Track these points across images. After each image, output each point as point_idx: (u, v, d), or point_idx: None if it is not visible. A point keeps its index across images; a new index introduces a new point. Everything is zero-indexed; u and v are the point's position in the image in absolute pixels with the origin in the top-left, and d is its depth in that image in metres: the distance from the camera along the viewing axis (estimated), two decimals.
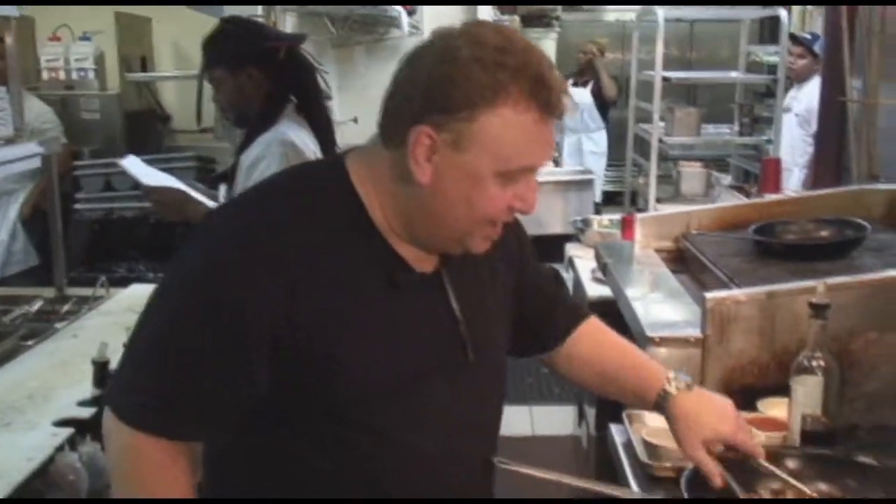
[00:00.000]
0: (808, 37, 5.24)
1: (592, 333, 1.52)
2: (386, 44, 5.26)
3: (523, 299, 1.43)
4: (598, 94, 7.23)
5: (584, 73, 7.33)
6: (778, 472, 1.39)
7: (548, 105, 1.14)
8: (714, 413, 1.40)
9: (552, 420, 4.18)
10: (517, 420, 4.13)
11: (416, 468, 1.23)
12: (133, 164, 2.71)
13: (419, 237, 1.21)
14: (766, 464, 1.39)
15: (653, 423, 1.66)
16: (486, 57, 1.11)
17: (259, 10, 3.58)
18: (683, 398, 1.40)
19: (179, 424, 1.16)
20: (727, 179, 4.74)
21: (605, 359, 1.50)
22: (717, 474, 1.34)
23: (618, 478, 1.68)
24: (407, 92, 1.15)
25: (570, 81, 7.27)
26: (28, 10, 4.74)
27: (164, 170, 2.84)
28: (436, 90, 1.12)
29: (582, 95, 7.15)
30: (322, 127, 2.57)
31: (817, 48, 5.08)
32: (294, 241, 1.15)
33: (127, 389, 1.17)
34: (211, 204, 2.53)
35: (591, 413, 3.12)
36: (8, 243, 4.25)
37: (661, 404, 1.41)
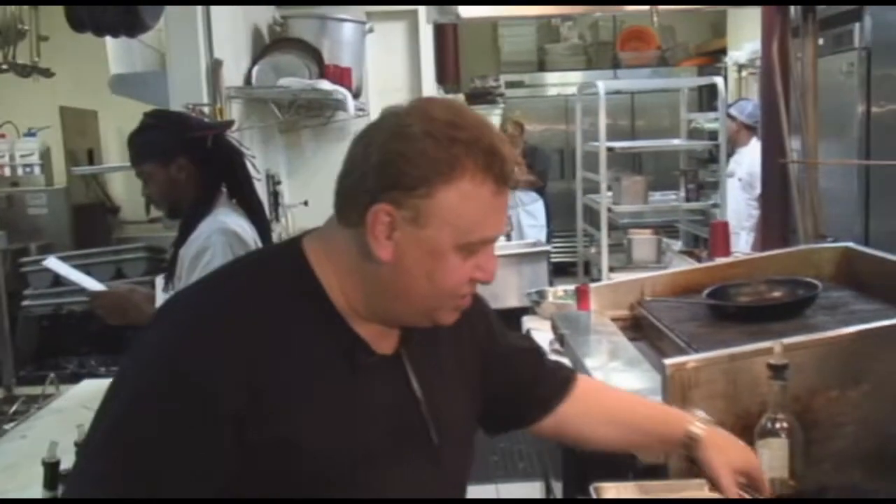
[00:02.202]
0: (735, 106, 5.45)
1: (591, 391, 1.55)
2: (333, 126, 5.30)
3: (497, 373, 1.42)
4: (529, 171, 7.35)
5: None
6: None
7: (502, 176, 1.15)
8: (740, 446, 1.50)
9: (519, 496, 4.13)
10: (484, 498, 4.08)
11: None
12: (55, 265, 2.73)
13: (382, 314, 1.21)
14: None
15: (622, 494, 1.64)
16: (438, 132, 1.12)
17: (204, 97, 3.59)
18: (712, 433, 1.49)
19: None
20: (678, 245, 4.80)
21: (617, 411, 1.56)
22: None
23: None
24: (362, 170, 1.15)
25: None
26: None
27: (115, 262, 2.82)
28: (391, 168, 1.12)
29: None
30: (255, 210, 2.57)
31: (745, 116, 5.27)
32: (254, 321, 1.13)
33: (84, 491, 1.10)
34: (155, 306, 2.50)
35: (557, 487, 3.07)
36: None
37: (689, 444, 1.48)
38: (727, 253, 3.65)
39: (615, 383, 1.99)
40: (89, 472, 1.11)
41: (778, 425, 1.56)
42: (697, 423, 1.49)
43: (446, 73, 8.17)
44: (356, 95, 4.75)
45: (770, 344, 1.66)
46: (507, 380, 1.45)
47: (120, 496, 1.07)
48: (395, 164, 1.12)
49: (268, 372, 1.11)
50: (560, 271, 7.61)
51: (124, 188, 5.72)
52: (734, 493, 1.42)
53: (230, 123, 2.76)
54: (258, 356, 1.11)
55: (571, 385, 1.52)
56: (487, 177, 1.14)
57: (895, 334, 1.79)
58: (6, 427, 2.59)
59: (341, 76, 4.53)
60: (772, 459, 1.56)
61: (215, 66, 3.75)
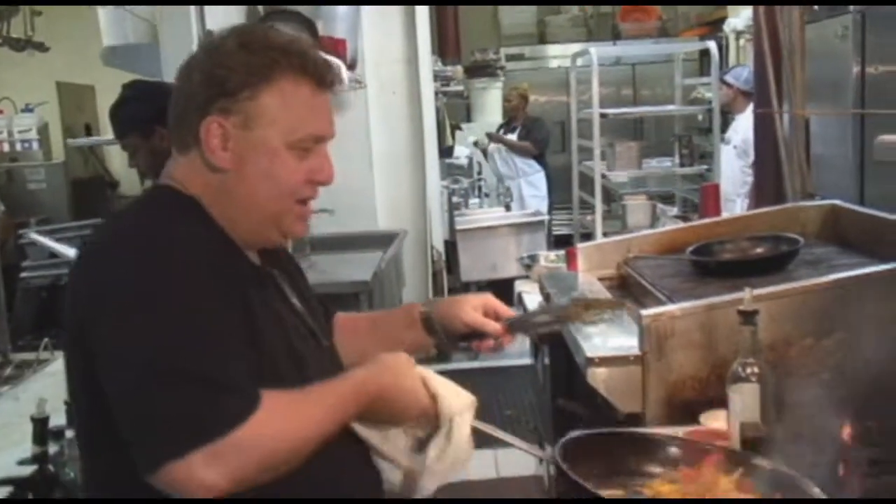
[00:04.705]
0: (731, 73, 5.41)
1: (346, 315, 1.64)
2: None
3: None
4: (528, 139, 7.37)
5: (513, 119, 7.52)
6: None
7: (319, 77, 1.28)
8: (469, 295, 1.61)
9: (516, 462, 4.15)
10: (483, 464, 4.10)
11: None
12: (36, 238, 2.78)
13: (241, 231, 1.29)
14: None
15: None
16: (253, 43, 1.25)
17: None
18: (440, 300, 1.63)
19: (252, 382, 1.15)
20: (673, 211, 4.81)
21: (368, 319, 1.69)
22: (494, 324, 1.53)
23: None
24: (187, 93, 1.26)
25: (500, 130, 7.46)
26: None
27: None
28: (213, 79, 1.23)
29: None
30: None
31: (741, 82, 5.24)
32: (192, 235, 1.23)
33: (190, 416, 1.10)
34: None
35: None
36: None
37: (428, 317, 1.55)
38: (717, 214, 3.65)
39: (595, 337, 2.01)
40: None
41: (749, 370, 1.57)
42: (427, 301, 1.60)
43: (446, 47, 8.17)
44: (351, 67, 4.74)
45: (743, 294, 1.67)
46: None
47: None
48: (216, 75, 1.23)
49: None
50: (562, 243, 7.60)
51: (123, 162, 5.74)
52: (479, 319, 1.52)
53: None
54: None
55: (335, 315, 1.61)
56: (304, 77, 1.26)
57: (868, 284, 1.81)
58: (1, 390, 2.62)
59: (335, 47, 4.52)
60: (743, 404, 1.57)
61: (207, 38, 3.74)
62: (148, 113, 2.45)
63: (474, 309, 1.54)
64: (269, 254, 1.38)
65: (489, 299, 1.58)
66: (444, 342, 1.57)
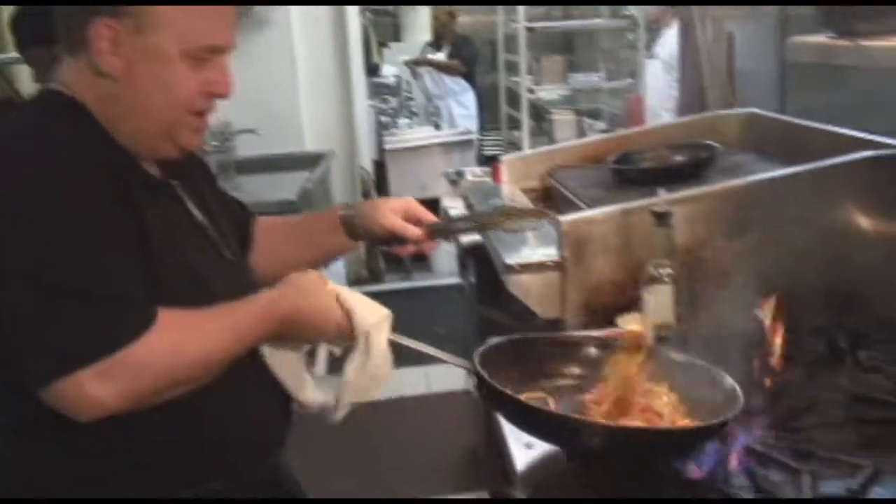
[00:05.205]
0: None
1: (268, 220, 1.59)
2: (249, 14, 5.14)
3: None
4: (457, 58, 7.29)
5: (441, 38, 7.44)
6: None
7: None
8: (394, 199, 1.56)
9: (447, 377, 4.20)
10: (415, 381, 4.15)
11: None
12: None
13: (133, 141, 1.23)
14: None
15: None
16: None
17: None
18: (359, 204, 1.57)
19: (146, 298, 1.13)
20: (600, 126, 4.83)
21: (289, 225, 1.62)
22: (414, 229, 1.49)
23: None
24: None
25: (429, 50, 7.37)
26: None
27: None
28: None
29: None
30: None
31: None
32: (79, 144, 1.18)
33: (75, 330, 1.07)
34: None
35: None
36: None
37: (348, 222, 1.52)
38: (641, 124, 3.68)
39: (515, 245, 2.01)
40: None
41: (663, 272, 1.59)
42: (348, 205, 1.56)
43: None
44: None
45: (658, 198, 1.69)
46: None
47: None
48: None
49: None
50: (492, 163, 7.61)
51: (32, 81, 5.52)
52: (400, 223, 1.49)
53: None
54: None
55: (255, 221, 1.57)
56: None
57: (778, 187, 1.84)
58: None
59: None
60: (656, 305, 1.60)
61: None
62: (48, 22, 2.34)
63: (394, 213, 1.51)
64: (172, 163, 1.31)
65: (410, 204, 1.54)
66: (367, 244, 1.56)
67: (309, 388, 1.34)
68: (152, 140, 1.24)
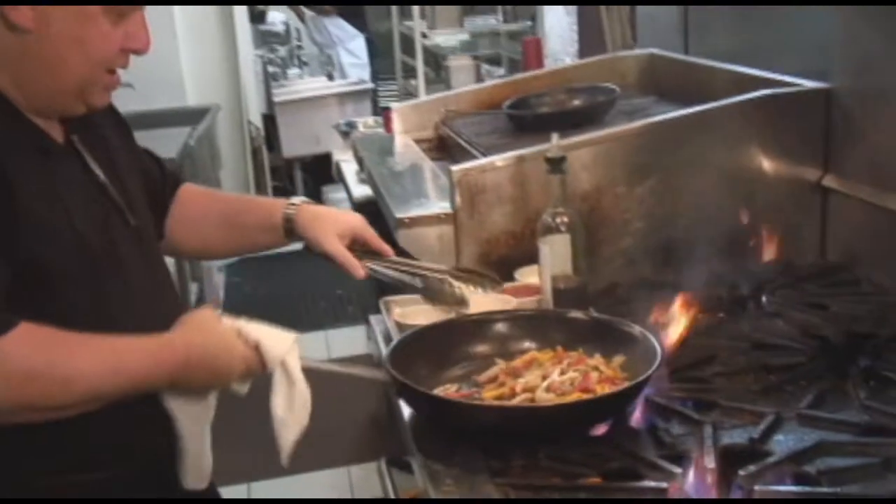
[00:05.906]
0: None
1: (198, 193, 1.52)
2: None
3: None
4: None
5: None
6: (409, 261, 1.50)
7: None
8: (340, 213, 1.49)
9: (347, 341, 4.11)
10: (313, 346, 4.04)
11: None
12: None
13: (37, 100, 1.16)
14: (398, 259, 1.49)
15: (404, 308, 1.58)
16: None
17: None
18: (305, 208, 1.45)
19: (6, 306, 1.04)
20: (500, 72, 4.72)
21: (221, 208, 1.52)
22: (357, 266, 1.41)
23: None
24: None
25: None
26: None
27: None
28: None
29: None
30: None
31: None
32: None
33: None
34: None
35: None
36: None
37: (288, 226, 1.43)
38: (539, 68, 3.57)
39: (407, 198, 1.91)
40: None
41: (559, 220, 1.50)
42: (291, 204, 1.46)
43: None
44: None
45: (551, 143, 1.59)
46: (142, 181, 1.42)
47: None
48: None
49: None
50: None
51: None
52: (343, 253, 1.41)
53: None
54: None
55: (179, 187, 1.50)
56: None
57: (676, 128, 1.77)
58: None
59: None
60: (553, 255, 1.51)
61: None
62: None
63: (341, 237, 1.42)
64: (76, 119, 1.21)
65: (358, 228, 1.45)
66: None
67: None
68: (62, 98, 1.16)
